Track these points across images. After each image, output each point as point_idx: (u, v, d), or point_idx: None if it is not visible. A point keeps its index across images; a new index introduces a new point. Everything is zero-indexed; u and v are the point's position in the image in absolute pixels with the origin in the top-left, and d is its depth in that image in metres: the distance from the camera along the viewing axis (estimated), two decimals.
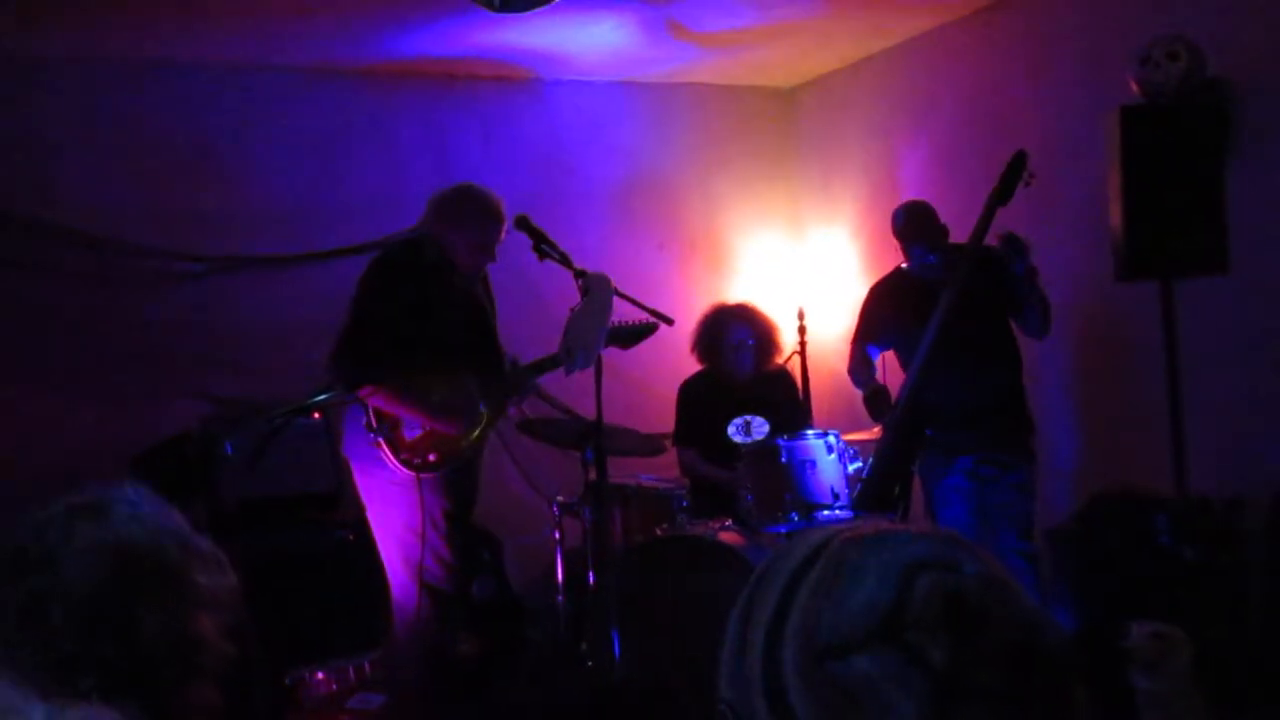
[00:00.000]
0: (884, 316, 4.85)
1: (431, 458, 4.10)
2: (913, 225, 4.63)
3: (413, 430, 4.10)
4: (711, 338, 5.37)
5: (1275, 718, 3.71)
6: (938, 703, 0.84)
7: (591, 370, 4.15)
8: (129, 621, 1.41)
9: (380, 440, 4.06)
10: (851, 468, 4.67)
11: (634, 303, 4.41)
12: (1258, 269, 4.39)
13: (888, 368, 4.90)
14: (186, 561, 1.48)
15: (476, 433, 4.23)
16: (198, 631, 1.47)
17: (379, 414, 4.07)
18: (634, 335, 4.47)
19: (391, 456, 4.06)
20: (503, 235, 4.27)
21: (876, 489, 4.57)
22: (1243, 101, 4.45)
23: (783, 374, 5.55)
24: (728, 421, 5.00)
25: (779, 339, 5.43)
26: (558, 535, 5.04)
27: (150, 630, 1.42)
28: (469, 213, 4.21)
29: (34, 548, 1.43)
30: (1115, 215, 4.15)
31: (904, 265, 4.72)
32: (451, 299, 4.21)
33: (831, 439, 4.68)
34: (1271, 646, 4.13)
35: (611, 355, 4.38)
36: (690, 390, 5.47)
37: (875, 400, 4.74)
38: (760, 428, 5.00)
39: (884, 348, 4.90)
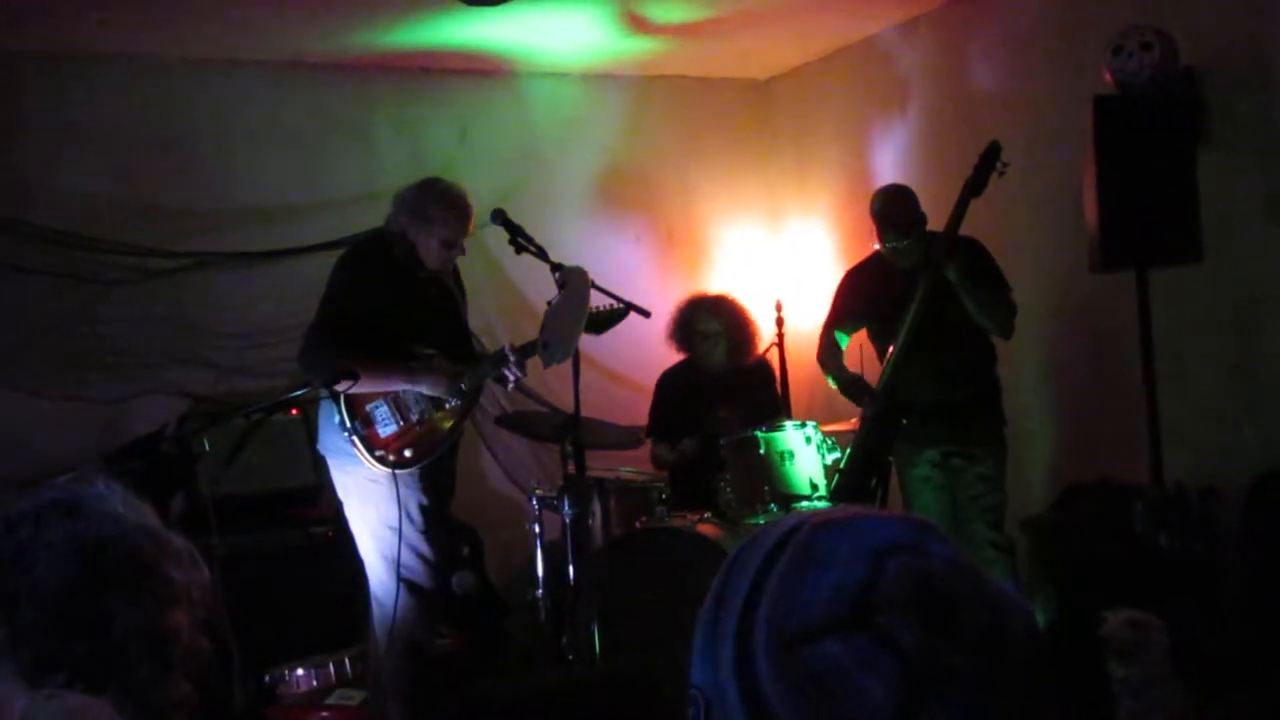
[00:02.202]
0: (856, 304, 4.84)
1: (407, 454, 4.08)
2: (889, 208, 4.63)
3: (386, 427, 4.08)
4: (684, 329, 5.37)
5: (1250, 703, 3.74)
6: (908, 686, 0.84)
7: (569, 363, 4.14)
8: (101, 618, 1.40)
9: (354, 439, 4.04)
10: (830, 458, 4.68)
11: (612, 296, 4.40)
12: (1231, 257, 4.41)
13: (864, 358, 4.91)
14: (159, 557, 1.47)
15: (450, 422, 4.20)
16: (171, 627, 1.46)
17: (352, 412, 4.04)
18: (606, 320, 4.43)
19: (366, 454, 4.04)
20: (471, 229, 4.25)
21: (854, 480, 4.58)
22: (1215, 90, 4.48)
23: (760, 365, 5.55)
24: (702, 412, 4.98)
25: (753, 329, 5.40)
26: (537, 529, 5.03)
27: (123, 626, 1.41)
28: (434, 209, 4.16)
29: (4, 545, 1.42)
30: (1089, 205, 4.17)
31: (877, 246, 4.69)
32: (419, 291, 4.20)
33: (810, 430, 4.69)
34: (1246, 633, 4.16)
35: (589, 349, 4.37)
36: (667, 381, 5.47)
37: (854, 387, 4.75)
38: None
39: (852, 332, 4.90)
